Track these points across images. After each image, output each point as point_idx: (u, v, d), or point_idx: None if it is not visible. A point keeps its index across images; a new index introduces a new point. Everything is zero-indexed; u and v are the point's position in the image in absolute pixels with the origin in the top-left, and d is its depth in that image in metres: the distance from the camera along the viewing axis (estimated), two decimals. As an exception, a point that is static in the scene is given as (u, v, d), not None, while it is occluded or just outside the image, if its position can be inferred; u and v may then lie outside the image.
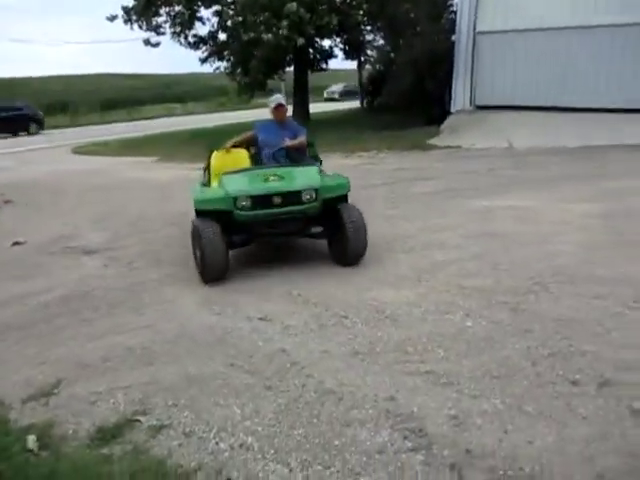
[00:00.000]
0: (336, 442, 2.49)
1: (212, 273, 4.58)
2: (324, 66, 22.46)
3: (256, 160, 5.52)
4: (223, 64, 20.64)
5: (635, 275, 4.23)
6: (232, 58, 19.95)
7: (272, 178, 4.70)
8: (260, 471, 2.34)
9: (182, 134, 21.02)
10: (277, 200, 4.56)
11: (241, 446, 2.52)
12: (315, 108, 23.68)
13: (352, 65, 26.78)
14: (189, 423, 2.72)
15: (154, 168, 13.18)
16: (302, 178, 4.79)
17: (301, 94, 21.26)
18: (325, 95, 43.81)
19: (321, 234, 5.03)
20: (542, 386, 2.84)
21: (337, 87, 45.11)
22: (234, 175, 4.91)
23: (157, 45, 20.53)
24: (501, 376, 2.95)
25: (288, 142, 5.22)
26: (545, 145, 11.24)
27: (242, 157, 5.55)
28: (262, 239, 5.00)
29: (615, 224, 5.68)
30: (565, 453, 2.34)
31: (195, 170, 10.93)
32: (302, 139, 5.36)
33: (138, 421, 2.77)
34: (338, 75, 42.58)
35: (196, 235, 4.63)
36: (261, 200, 4.55)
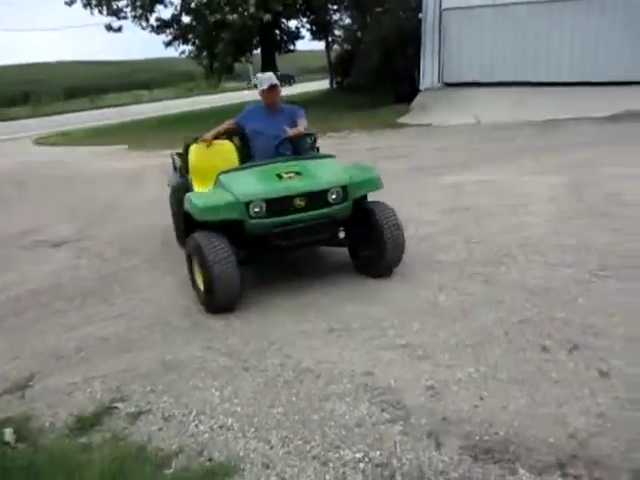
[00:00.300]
0: (315, 417, 2.52)
1: (222, 301, 3.65)
2: (292, 47, 22.27)
3: (245, 154, 4.56)
4: (188, 47, 20.30)
5: (600, 244, 4.34)
6: (197, 41, 19.63)
7: (287, 175, 3.79)
8: (241, 450, 2.36)
9: (150, 121, 20.65)
10: (299, 203, 3.68)
11: (221, 427, 2.53)
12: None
13: (320, 46, 26.63)
14: (168, 408, 2.72)
15: (123, 157, 12.94)
16: (325, 173, 3.89)
17: (269, 76, 21.00)
18: (253, 80, 40.66)
19: (342, 240, 4.14)
20: (514, 353, 2.91)
21: (267, 72, 42.15)
22: (237, 174, 3.94)
23: (119, 30, 20.07)
24: (475, 345, 3.01)
25: (291, 131, 4.20)
26: (512, 120, 11.36)
27: (228, 151, 4.63)
28: (277, 252, 4.04)
29: (581, 194, 5.80)
30: (538, 416, 2.41)
31: (169, 158, 10.83)
32: (305, 124, 4.35)
33: (116, 408, 2.76)
34: (306, 56, 42.18)
35: (198, 254, 3.63)
36: (279, 204, 3.66)
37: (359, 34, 20.74)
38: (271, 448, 2.35)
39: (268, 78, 4.48)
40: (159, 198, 7.09)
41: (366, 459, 2.23)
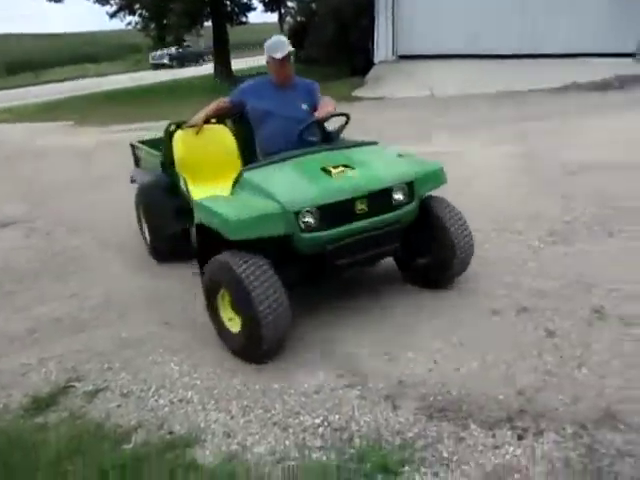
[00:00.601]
0: (275, 386, 2.55)
1: (270, 349, 2.73)
2: (244, 19, 21.79)
3: (246, 141, 3.84)
4: (134, 19, 19.57)
5: (548, 211, 4.49)
6: (144, 12, 18.94)
7: (336, 170, 2.88)
8: (202, 421, 2.38)
9: (97, 96, 19.92)
10: (361, 207, 2.82)
11: (181, 401, 2.54)
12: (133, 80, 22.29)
13: (273, 18, 26.15)
14: (126, 384, 2.70)
15: (70, 133, 12.46)
16: (382, 166, 3.04)
17: (222, 49, 20.55)
18: (150, 60, 34.36)
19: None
20: (467, 318, 3.01)
21: (166, 49, 32.60)
22: (269, 170, 3.01)
23: (60, 0, 19.15)
24: (429, 311, 3.10)
25: (321, 112, 3.36)
26: (466, 92, 11.50)
27: (225, 138, 3.91)
28: (332, 273, 3.09)
29: (534, 164, 5.96)
30: (489, 376, 2.52)
31: (117, 133, 10.47)
32: (333, 103, 3.55)
33: (72, 387, 2.72)
34: (259, 29, 41.18)
35: (233, 288, 2.66)
36: (337, 211, 2.77)
37: (313, 5, 20.43)
38: (232, 418, 2.38)
39: (281, 43, 3.49)
40: (108, 175, 6.92)
41: (325, 423, 2.29)
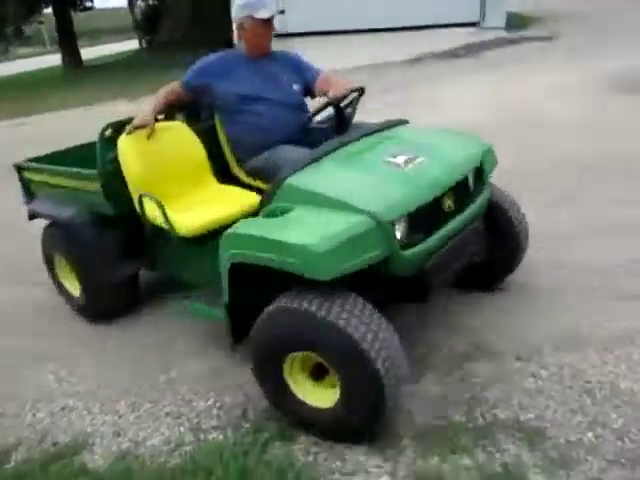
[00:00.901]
0: (163, 379, 2.49)
1: (396, 406, 1.95)
2: (89, 4, 20.37)
3: (209, 140, 2.92)
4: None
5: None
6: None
7: (403, 160, 2.18)
8: (88, 426, 2.27)
9: None
10: (449, 205, 2.19)
11: (63, 409, 2.40)
12: None
13: (122, 2, 24.72)
14: (-2, 403, 2.49)
15: None
16: (452, 149, 2.39)
17: (67, 38, 19.04)
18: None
19: None
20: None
21: None
22: (318, 173, 2.16)
23: None
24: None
25: (335, 91, 2.57)
26: (342, 67, 11.77)
27: (186, 139, 2.87)
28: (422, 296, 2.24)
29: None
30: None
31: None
32: (342, 77, 2.92)
33: None
34: (107, 15, 38.80)
35: (320, 338, 1.84)
36: (427, 214, 2.08)
37: (163, -14, 19.59)
38: (120, 417, 2.30)
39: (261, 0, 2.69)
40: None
41: (217, 404, 2.28)
